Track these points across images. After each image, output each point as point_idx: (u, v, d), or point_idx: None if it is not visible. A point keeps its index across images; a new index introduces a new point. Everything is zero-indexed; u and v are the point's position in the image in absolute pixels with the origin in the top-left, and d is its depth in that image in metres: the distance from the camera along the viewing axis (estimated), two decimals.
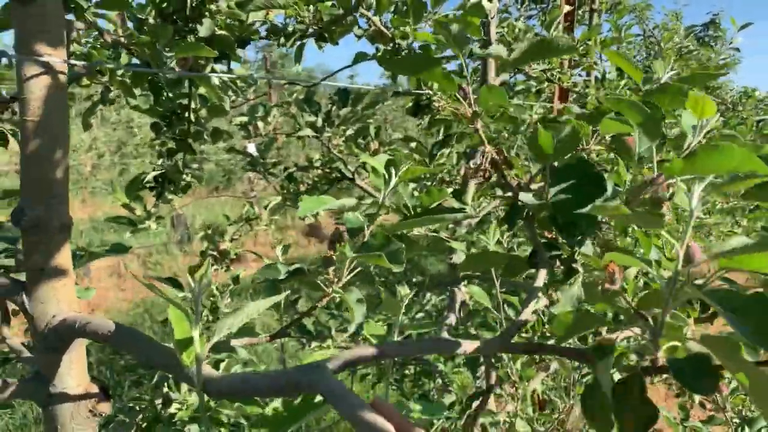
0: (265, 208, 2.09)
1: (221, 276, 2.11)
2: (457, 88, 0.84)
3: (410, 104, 1.58)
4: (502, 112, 0.83)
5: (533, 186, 0.72)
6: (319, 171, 2.29)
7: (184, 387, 1.21)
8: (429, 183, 2.21)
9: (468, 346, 0.52)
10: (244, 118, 2.52)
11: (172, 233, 7.96)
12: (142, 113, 1.39)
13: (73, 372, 0.74)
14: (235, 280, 1.96)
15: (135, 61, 1.15)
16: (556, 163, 0.69)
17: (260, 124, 2.53)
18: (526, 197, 0.63)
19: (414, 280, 4.46)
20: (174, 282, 1.94)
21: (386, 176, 0.71)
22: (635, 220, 0.46)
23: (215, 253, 1.96)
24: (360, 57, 1.96)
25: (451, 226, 2.05)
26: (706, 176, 0.47)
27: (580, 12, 3.31)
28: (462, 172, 2.01)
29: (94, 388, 0.75)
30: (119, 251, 1.10)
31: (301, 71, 1.70)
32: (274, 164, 2.57)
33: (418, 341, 0.53)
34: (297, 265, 0.73)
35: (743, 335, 0.37)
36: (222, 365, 1.67)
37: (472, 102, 0.84)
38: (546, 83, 2.31)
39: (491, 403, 1.90)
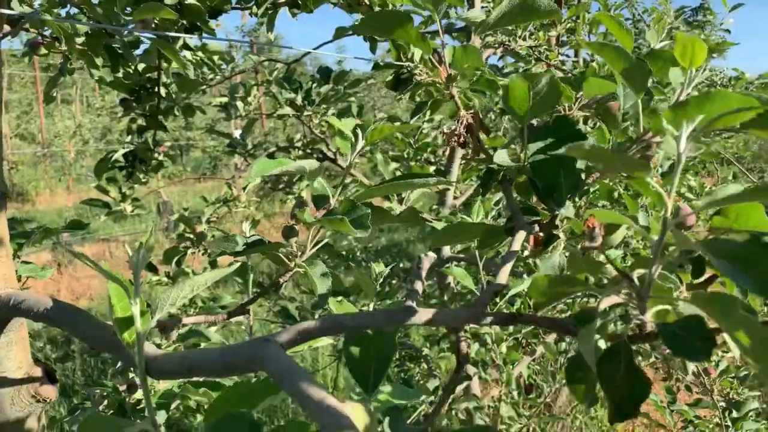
0: (244, 189, 2.03)
1: (199, 260, 2.04)
2: (431, 50, 0.79)
3: (390, 77, 1.52)
4: (479, 75, 0.78)
5: (511, 149, 0.67)
6: (300, 152, 2.22)
7: None
8: (413, 163, 2.15)
9: (429, 315, 0.47)
10: (224, 99, 2.44)
11: (158, 220, 7.85)
12: (107, 86, 1.31)
13: (13, 354, 0.68)
14: (213, 264, 1.90)
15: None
16: (535, 123, 0.64)
17: (240, 104, 2.45)
18: (501, 158, 0.58)
19: (402, 266, 4.42)
20: (149, 266, 1.88)
21: (353, 139, 0.66)
22: (618, 163, 0.41)
23: (192, 236, 1.89)
24: (340, 32, 1.89)
25: (435, 206, 1.99)
26: (696, 118, 0.41)
27: None
28: (443, 142, 1.96)
29: (38, 372, 0.69)
30: (78, 228, 1.04)
31: (273, 39, 1.63)
32: (254, 146, 2.49)
33: (374, 311, 0.48)
34: (256, 237, 0.67)
35: (745, 285, 0.32)
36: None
37: (447, 66, 0.79)
38: (534, 62, 2.25)
39: (475, 388, 1.86)
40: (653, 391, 2.17)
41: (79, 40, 1.16)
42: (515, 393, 1.82)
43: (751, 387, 2.03)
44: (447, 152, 2.08)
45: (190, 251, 1.87)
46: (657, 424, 2.52)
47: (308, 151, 2.20)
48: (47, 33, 1.21)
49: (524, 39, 2.05)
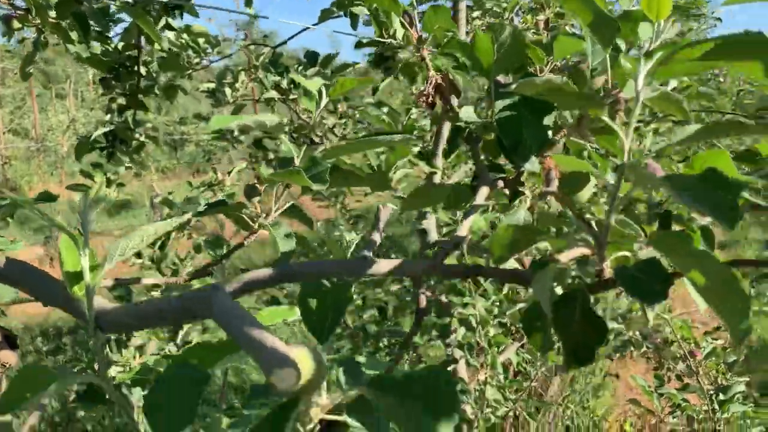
0: (229, 174, 2.01)
1: (184, 244, 2.03)
2: (401, 11, 0.77)
3: (373, 55, 1.50)
4: (450, 38, 0.76)
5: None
6: (288, 137, 2.20)
7: (129, 350, 1.14)
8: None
9: (386, 265, 0.45)
10: (212, 84, 2.42)
11: (152, 215, 7.83)
12: (83, 63, 1.29)
13: None
14: (197, 248, 1.88)
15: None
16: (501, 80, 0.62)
17: (228, 90, 2.43)
18: (467, 114, 0.56)
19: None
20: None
21: (317, 96, 0.64)
22: (572, 98, 0.39)
23: None
24: (326, 13, 1.87)
25: None
26: (654, 56, 0.40)
27: None
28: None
29: None
30: (47, 200, 1.02)
31: (253, 13, 1.61)
32: (242, 131, 2.47)
33: (323, 261, 0.46)
34: (219, 197, 0.66)
35: (702, 210, 0.31)
36: None
37: (418, 28, 0.77)
38: None
39: (462, 372, 1.85)
40: (643, 378, 2.16)
41: (53, 13, 1.14)
42: (501, 376, 1.81)
43: (739, 373, 2.03)
44: (433, 137, 2.07)
45: (173, 235, 1.85)
46: (647, 410, 2.52)
47: (295, 136, 2.18)
48: (21, 6, 1.19)
49: (512, 21, 2.03)
